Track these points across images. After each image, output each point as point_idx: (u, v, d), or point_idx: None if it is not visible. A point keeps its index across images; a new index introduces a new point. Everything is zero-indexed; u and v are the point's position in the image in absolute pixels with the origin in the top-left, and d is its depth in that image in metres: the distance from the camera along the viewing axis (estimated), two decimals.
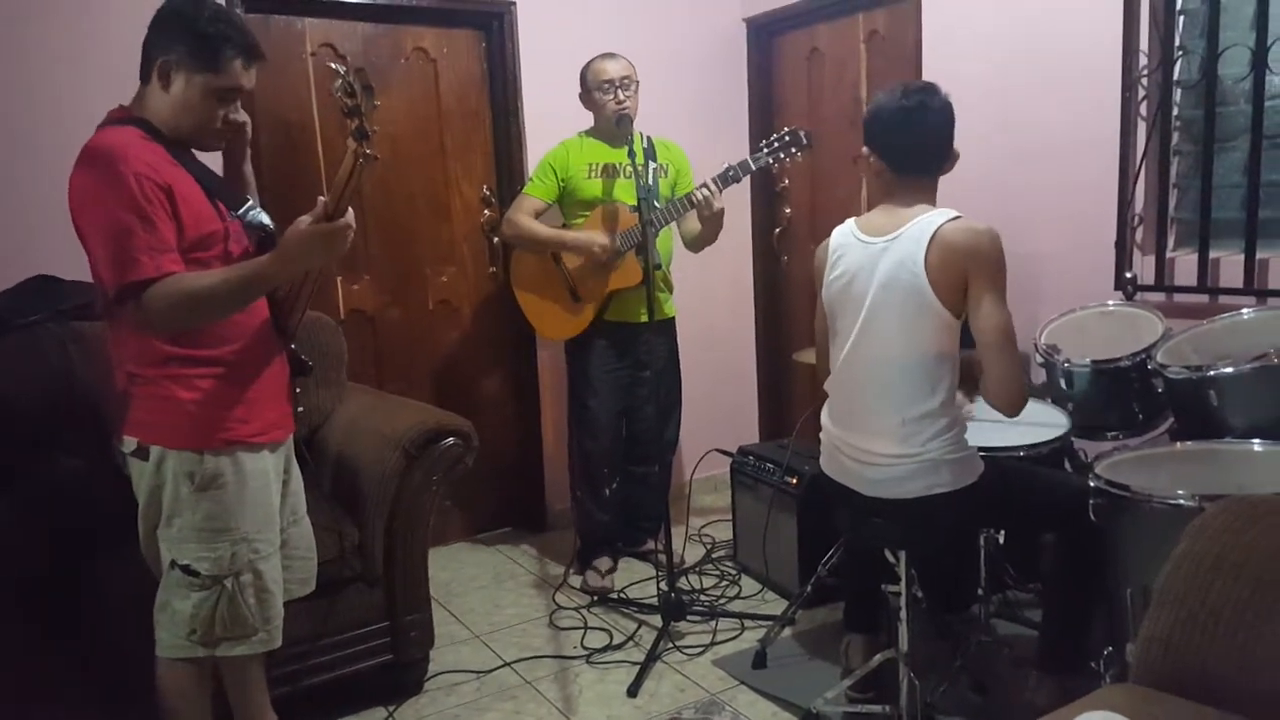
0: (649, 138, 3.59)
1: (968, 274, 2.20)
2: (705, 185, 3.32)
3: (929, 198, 2.35)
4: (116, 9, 3.10)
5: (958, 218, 2.25)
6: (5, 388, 2.63)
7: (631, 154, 3.19)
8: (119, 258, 1.91)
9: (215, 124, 2.08)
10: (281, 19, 3.64)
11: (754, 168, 3.34)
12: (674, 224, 3.54)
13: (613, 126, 3.45)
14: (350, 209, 1.97)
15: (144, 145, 1.98)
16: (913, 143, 2.32)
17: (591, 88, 3.51)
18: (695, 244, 3.61)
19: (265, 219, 2.18)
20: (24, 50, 3.09)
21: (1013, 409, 2.24)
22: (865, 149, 2.39)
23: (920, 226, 2.25)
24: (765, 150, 3.33)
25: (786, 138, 3.31)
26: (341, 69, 1.88)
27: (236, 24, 2.07)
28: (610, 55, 3.51)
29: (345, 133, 1.91)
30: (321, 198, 1.96)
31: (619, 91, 3.45)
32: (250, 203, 2.18)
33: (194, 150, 2.13)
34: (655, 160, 3.54)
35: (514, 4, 3.97)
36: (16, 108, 3.09)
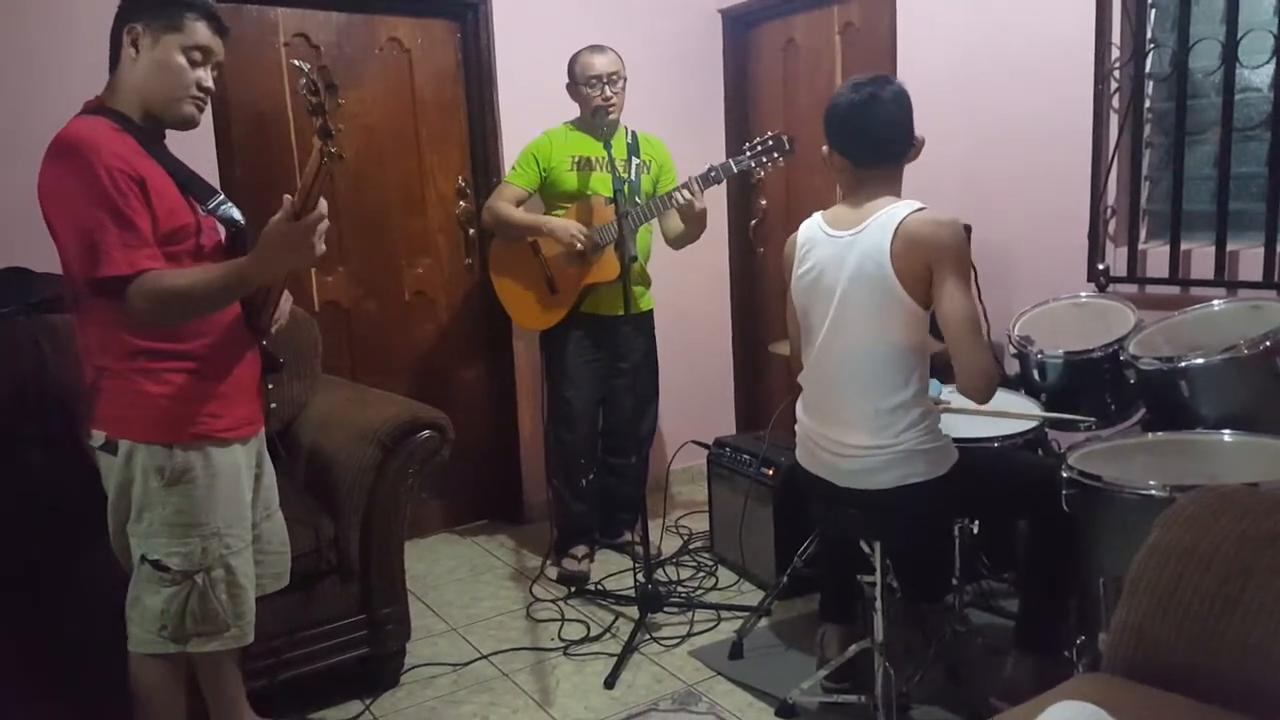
0: (633, 133, 3.59)
1: (931, 265, 2.21)
2: (687, 185, 3.30)
3: (894, 189, 2.35)
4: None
5: (922, 209, 2.26)
6: None
7: (609, 147, 3.18)
8: (90, 252, 1.89)
9: (190, 88, 2.06)
10: (254, 8, 3.60)
11: (736, 170, 3.31)
12: (654, 220, 3.53)
13: (593, 119, 3.43)
14: (324, 202, 1.95)
15: (115, 136, 1.96)
16: (866, 136, 2.33)
17: (579, 81, 3.49)
18: (677, 242, 3.60)
19: (235, 213, 2.17)
20: None
21: (984, 396, 2.26)
22: (825, 148, 2.40)
23: (885, 219, 2.26)
24: (748, 153, 3.30)
25: (770, 142, 3.28)
26: (305, 66, 1.87)
27: None
28: (599, 49, 3.48)
29: (307, 110, 1.89)
30: (288, 196, 1.94)
31: (606, 87, 3.44)
32: (220, 196, 2.16)
33: (170, 131, 2.11)
34: (638, 156, 3.55)
35: None
36: None
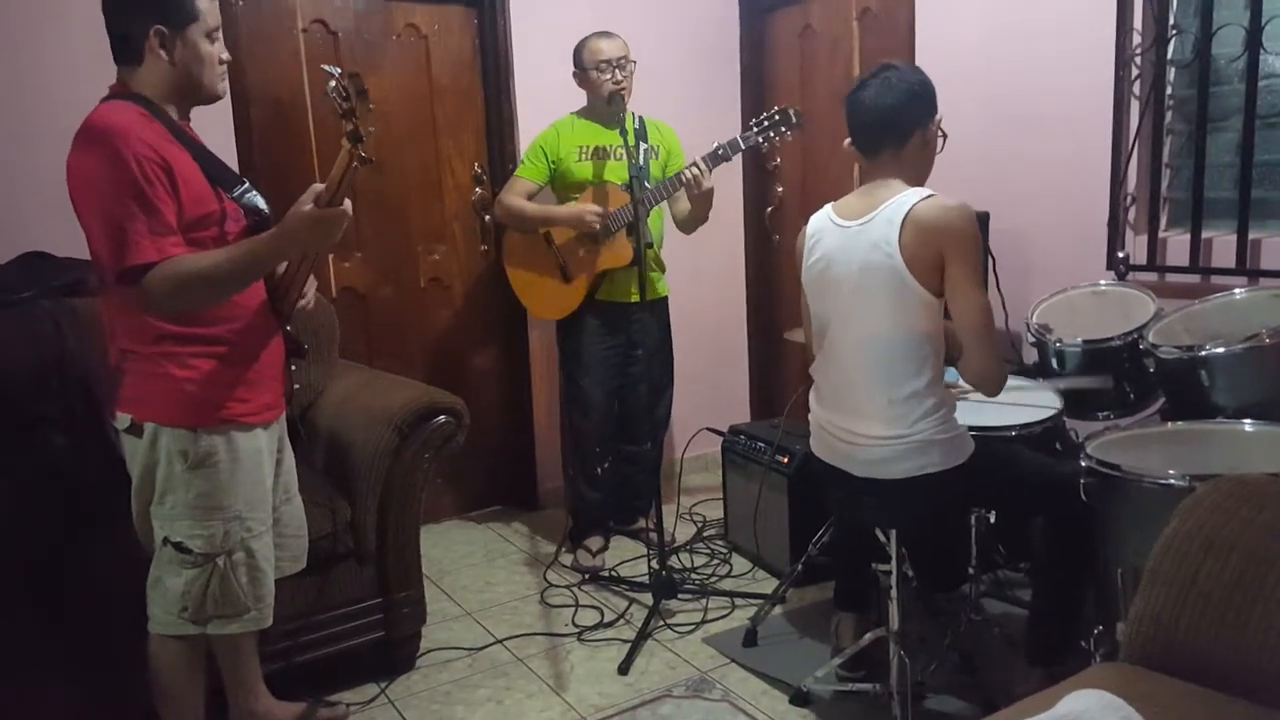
0: (641, 118, 3.58)
1: (943, 253, 2.18)
2: (695, 164, 3.29)
3: (906, 177, 2.32)
4: None
5: (930, 196, 2.24)
6: None
7: (624, 133, 3.17)
8: (120, 241, 1.90)
9: (218, 66, 2.10)
10: None
11: (744, 147, 3.31)
12: (664, 204, 3.52)
13: (605, 106, 3.41)
14: (348, 201, 1.97)
15: (144, 124, 1.97)
16: (857, 120, 2.34)
17: (587, 66, 3.47)
18: (686, 224, 3.59)
19: (260, 202, 2.17)
20: (12, 23, 3.05)
21: (992, 389, 2.25)
22: (847, 140, 2.40)
23: (893, 208, 2.24)
24: (755, 129, 3.30)
25: (776, 116, 3.29)
26: (335, 71, 1.87)
27: None
28: (606, 34, 3.47)
29: (337, 114, 1.90)
30: (317, 185, 1.95)
31: (616, 71, 3.42)
32: (245, 184, 2.17)
33: (200, 105, 2.13)
34: (646, 141, 3.54)
35: None
36: (6, 83, 3.05)
